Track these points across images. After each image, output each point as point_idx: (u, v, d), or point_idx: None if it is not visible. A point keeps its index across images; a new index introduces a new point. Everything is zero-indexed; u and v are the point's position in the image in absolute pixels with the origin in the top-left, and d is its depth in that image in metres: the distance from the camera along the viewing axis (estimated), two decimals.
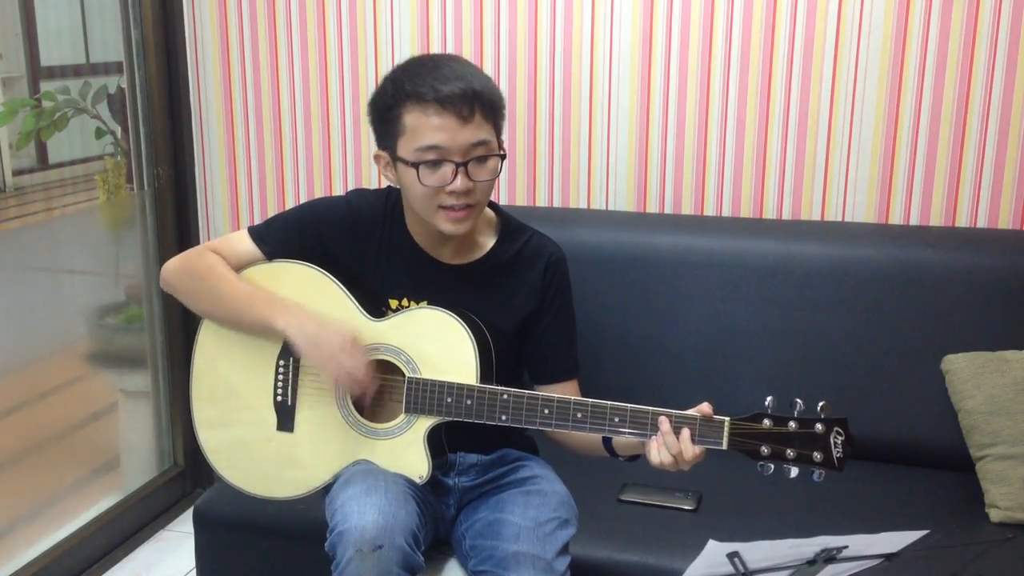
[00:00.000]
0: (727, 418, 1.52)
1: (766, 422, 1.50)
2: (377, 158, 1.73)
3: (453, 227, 1.67)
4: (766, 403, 1.51)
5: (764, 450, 1.50)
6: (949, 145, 2.31)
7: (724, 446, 1.52)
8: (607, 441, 1.67)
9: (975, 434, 2.02)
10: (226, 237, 1.82)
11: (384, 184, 1.80)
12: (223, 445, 1.79)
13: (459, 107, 1.60)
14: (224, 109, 2.79)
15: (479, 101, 1.62)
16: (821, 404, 1.49)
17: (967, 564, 1.73)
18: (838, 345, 2.18)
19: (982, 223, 2.33)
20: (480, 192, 1.67)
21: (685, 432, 1.52)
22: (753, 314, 2.23)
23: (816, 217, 2.42)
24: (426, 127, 1.61)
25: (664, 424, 1.53)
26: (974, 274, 2.14)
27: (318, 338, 1.63)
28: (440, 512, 1.77)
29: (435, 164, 1.62)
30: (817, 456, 1.49)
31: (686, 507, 1.99)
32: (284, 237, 1.77)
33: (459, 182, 1.62)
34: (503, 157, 1.69)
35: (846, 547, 1.30)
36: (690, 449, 1.51)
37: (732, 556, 1.29)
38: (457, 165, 1.62)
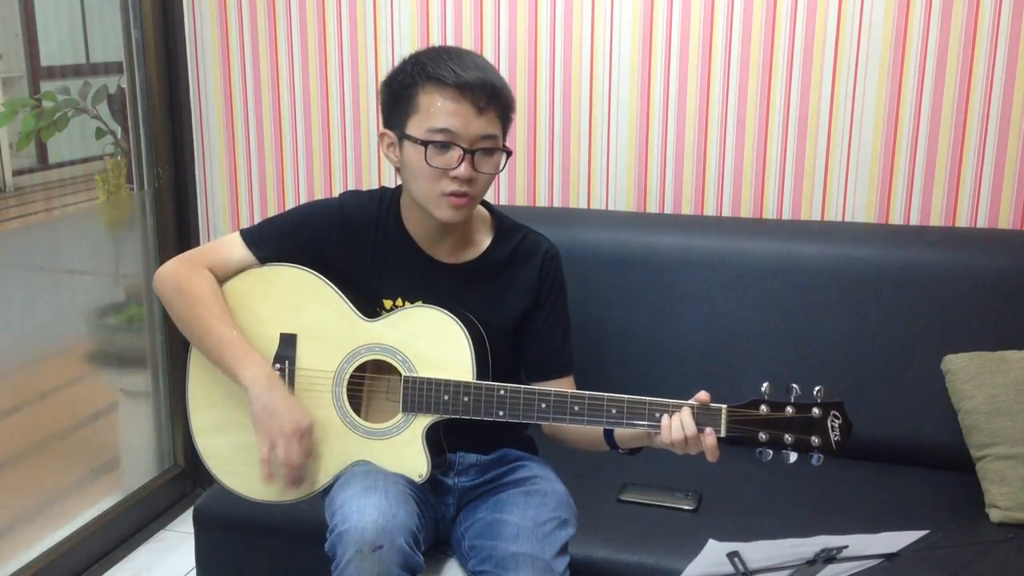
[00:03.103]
0: (724, 406, 1.52)
1: (763, 408, 1.51)
2: (382, 136, 1.74)
3: (451, 213, 1.67)
4: (762, 389, 1.51)
5: (762, 436, 1.51)
6: (949, 145, 2.31)
7: (723, 433, 1.52)
8: (608, 434, 1.67)
9: (975, 434, 2.02)
10: (218, 243, 1.80)
11: (382, 181, 1.80)
12: (221, 451, 1.78)
13: (477, 96, 1.62)
14: (224, 109, 2.79)
15: (496, 97, 1.65)
16: (817, 389, 1.50)
17: (967, 564, 1.72)
18: (838, 345, 2.18)
19: (982, 223, 2.33)
20: (480, 184, 1.68)
21: (687, 413, 1.53)
22: (753, 314, 2.23)
23: (816, 217, 2.42)
24: (441, 110, 1.63)
25: (674, 416, 1.54)
26: (974, 274, 2.14)
27: (271, 415, 1.63)
28: (440, 512, 1.77)
29: (444, 147, 1.63)
30: (815, 440, 1.50)
31: (686, 507, 1.99)
32: (277, 241, 1.76)
33: (463, 168, 1.63)
34: (509, 154, 1.70)
35: (846, 547, 1.30)
36: (710, 436, 1.52)
37: (732, 556, 1.29)
38: (465, 152, 1.63)
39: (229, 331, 1.70)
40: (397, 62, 1.73)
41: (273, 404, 1.63)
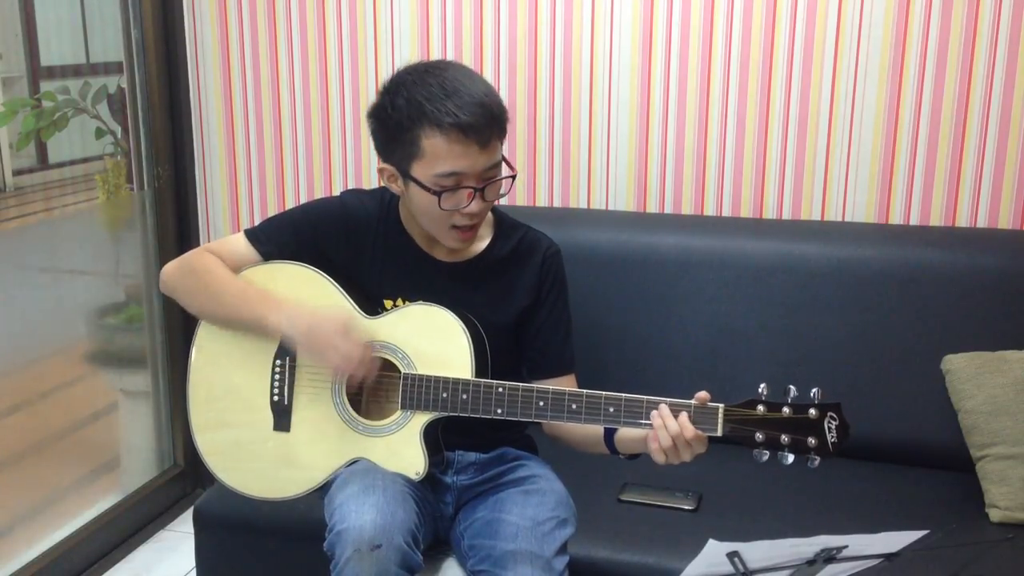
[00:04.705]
0: (720, 405, 1.52)
1: (760, 408, 1.51)
2: (381, 171, 1.72)
3: (461, 245, 1.72)
4: (759, 390, 1.51)
5: (759, 436, 1.50)
6: (949, 145, 2.31)
7: (719, 432, 1.52)
8: (609, 439, 1.67)
9: (975, 434, 2.02)
10: (222, 240, 1.81)
11: (381, 181, 1.80)
12: (220, 448, 1.78)
13: (481, 134, 1.60)
14: (224, 109, 2.79)
15: (496, 125, 1.63)
16: (815, 390, 1.49)
17: (967, 564, 1.72)
18: (838, 345, 2.18)
19: (982, 223, 2.33)
20: (488, 209, 1.70)
21: (683, 416, 1.52)
22: (753, 314, 2.23)
23: (816, 217, 2.42)
24: (448, 154, 1.60)
25: (663, 408, 1.53)
26: (974, 274, 2.14)
27: (311, 328, 1.63)
28: (439, 511, 1.77)
29: (453, 189, 1.63)
30: (811, 441, 1.49)
31: (686, 507, 1.99)
32: (280, 238, 1.77)
33: (474, 206, 1.64)
34: (514, 178, 1.70)
35: (846, 547, 1.30)
36: (690, 430, 1.51)
37: (732, 556, 1.29)
38: (475, 190, 1.63)
39: (240, 285, 1.71)
40: (383, 85, 1.68)
41: (307, 326, 1.63)
